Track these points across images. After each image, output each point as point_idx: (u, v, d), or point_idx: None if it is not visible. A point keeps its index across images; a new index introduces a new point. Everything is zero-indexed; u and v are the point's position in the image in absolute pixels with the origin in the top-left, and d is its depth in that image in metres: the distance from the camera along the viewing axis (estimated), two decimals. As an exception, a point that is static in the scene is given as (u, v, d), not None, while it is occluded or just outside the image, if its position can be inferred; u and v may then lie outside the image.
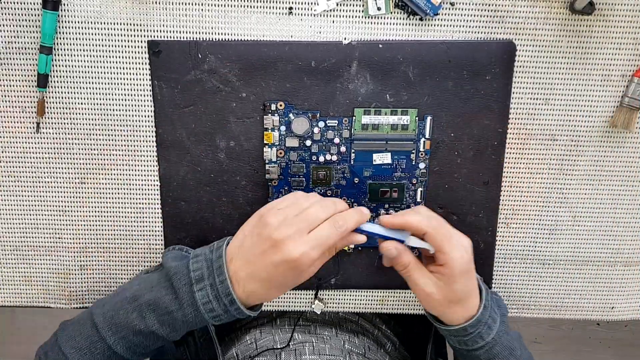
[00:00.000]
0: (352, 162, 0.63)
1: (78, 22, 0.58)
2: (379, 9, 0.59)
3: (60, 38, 0.59)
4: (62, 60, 0.60)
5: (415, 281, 0.56)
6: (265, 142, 0.62)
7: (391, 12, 0.59)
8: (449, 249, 0.54)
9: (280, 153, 0.62)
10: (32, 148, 0.62)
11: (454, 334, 0.59)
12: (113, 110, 0.61)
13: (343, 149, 0.62)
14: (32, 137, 0.62)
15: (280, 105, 0.61)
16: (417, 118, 0.61)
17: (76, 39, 0.59)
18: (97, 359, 0.56)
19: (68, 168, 0.63)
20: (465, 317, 0.57)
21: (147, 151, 0.63)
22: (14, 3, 0.58)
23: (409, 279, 0.57)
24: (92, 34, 0.59)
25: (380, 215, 0.65)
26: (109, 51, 0.59)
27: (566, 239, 0.67)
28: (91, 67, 0.60)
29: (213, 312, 0.52)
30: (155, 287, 0.55)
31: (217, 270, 0.52)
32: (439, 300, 0.56)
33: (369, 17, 0.59)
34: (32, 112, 0.61)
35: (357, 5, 0.59)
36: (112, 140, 0.62)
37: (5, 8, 0.58)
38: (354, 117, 0.61)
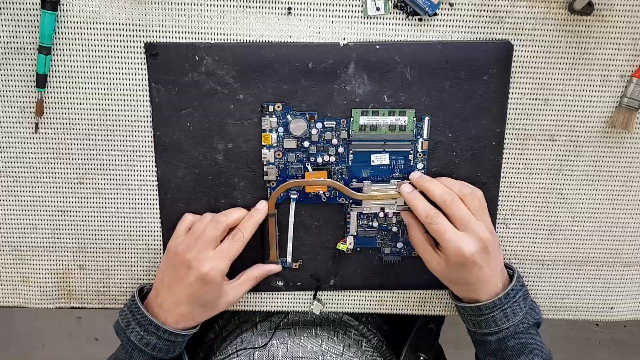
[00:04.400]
0: (350, 163, 0.63)
1: (77, 22, 0.58)
2: (378, 9, 0.59)
3: (58, 38, 0.59)
4: (60, 61, 0.59)
5: (417, 243, 0.62)
6: (263, 143, 0.62)
7: (390, 13, 0.59)
8: (450, 237, 0.57)
9: (279, 154, 0.62)
10: (31, 148, 0.62)
11: (468, 312, 0.61)
12: (111, 111, 0.61)
13: (341, 150, 0.62)
14: (30, 138, 0.62)
15: (278, 107, 0.61)
16: (414, 119, 0.61)
17: (75, 39, 0.59)
18: None
19: (66, 168, 0.63)
20: (477, 300, 0.60)
21: (145, 153, 0.62)
22: (13, 3, 0.58)
23: (413, 239, 0.62)
24: (91, 35, 0.59)
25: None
26: (108, 52, 0.59)
27: (565, 240, 0.67)
28: (90, 67, 0.60)
29: (150, 344, 0.60)
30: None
31: (135, 308, 0.60)
32: (440, 276, 0.61)
33: (368, 18, 0.59)
34: (30, 113, 0.61)
35: (356, 5, 0.59)
36: (111, 141, 0.62)
37: (3, 8, 0.58)
38: (351, 118, 0.61)
